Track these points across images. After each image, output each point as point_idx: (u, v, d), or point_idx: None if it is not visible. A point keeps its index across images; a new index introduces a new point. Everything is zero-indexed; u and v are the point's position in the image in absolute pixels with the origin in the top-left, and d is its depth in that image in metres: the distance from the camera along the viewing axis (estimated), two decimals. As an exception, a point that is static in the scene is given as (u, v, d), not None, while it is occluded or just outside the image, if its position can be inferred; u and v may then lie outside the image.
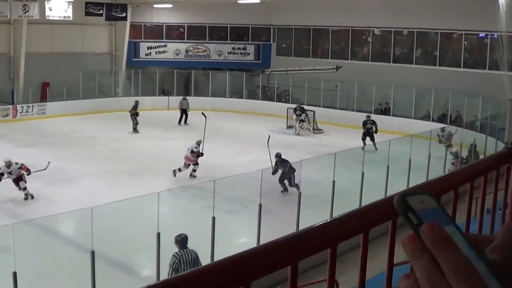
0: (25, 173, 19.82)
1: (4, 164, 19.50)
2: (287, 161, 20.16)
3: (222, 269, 1.77)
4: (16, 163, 19.70)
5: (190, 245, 11.98)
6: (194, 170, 22.72)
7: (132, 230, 16.25)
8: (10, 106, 37.98)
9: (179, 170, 22.49)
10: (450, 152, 24.02)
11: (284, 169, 19.94)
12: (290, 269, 1.92)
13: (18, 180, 19.61)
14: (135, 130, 32.83)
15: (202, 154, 22.58)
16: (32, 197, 19.91)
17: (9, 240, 12.49)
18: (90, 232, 11.57)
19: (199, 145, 22.64)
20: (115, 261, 14.35)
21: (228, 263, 1.82)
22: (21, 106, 38.11)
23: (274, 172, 19.59)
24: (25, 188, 19.63)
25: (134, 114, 33.24)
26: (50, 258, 14.69)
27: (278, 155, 20.48)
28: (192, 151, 22.39)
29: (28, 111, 38.08)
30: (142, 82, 43.27)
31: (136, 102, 33.90)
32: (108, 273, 12.66)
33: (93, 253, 11.37)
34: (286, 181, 20.07)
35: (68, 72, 38.77)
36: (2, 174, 19.48)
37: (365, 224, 2.17)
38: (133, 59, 44.35)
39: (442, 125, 29.37)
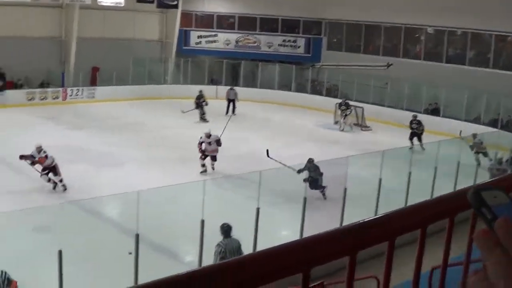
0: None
1: (35, 148, 19.56)
2: (318, 168, 19.53)
3: (280, 255, 1.76)
4: (44, 152, 19.64)
5: (232, 235, 11.99)
6: (212, 164, 22.53)
7: (176, 216, 16.36)
8: (60, 89, 38.47)
9: (202, 165, 22.34)
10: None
11: (312, 175, 19.28)
12: (349, 259, 1.91)
13: (51, 170, 19.55)
14: (203, 119, 32.75)
15: (220, 144, 22.45)
16: (54, 188, 19.63)
17: (56, 220, 12.67)
18: (134, 216, 11.65)
19: (208, 137, 22.37)
20: (159, 245, 14.46)
21: (287, 249, 1.80)
22: (71, 89, 38.59)
23: (301, 171, 19.02)
24: (61, 180, 19.54)
25: (200, 103, 33.27)
26: (94, 239, 14.85)
27: (310, 160, 19.83)
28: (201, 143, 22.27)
29: (78, 95, 38.54)
30: (191, 70, 43.48)
31: (201, 91, 34.00)
32: (151, 257, 12.74)
33: (137, 236, 11.45)
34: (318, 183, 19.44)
35: (118, 57, 39.08)
36: (34, 157, 19.50)
37: (422, 221, 2.15)
38: (183, 47, 44.53)
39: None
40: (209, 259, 11.87)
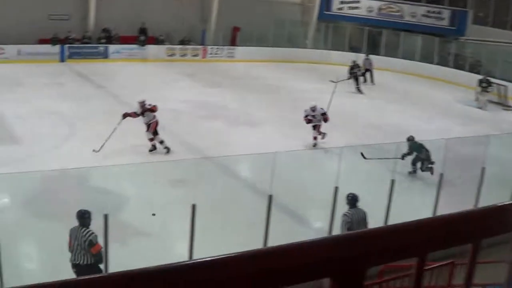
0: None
1: (138, 104, 18.72)
2: (421, 145, 18.32)
3: (453, 223, 1.72)
4: (150, 104, 18.69)
5: (361, 205, 11.75)
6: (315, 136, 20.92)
7: (309, 181, 16.29)
8: (200, 47, 39.15)
9: (319, 137, 20.72)
10: None
11: (418, 153, 18.23)
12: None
13: (148, 127, 18.67)
14: (358, 90, 31.47)
15: (326, 119, 20.72)
16: (153, 149, 18.70)
17: (191, 174, 12.88)
18: (268, 177, 11.64)
19: (313, 110, 20.78)
20: (290, 208, 14.45)
21: (459, 218, 1.75)
22: (211, 48, 39.22)
23: (405, 155, 17.87)
24: (151, 139, 18.66)
25: (355, 73, 32.04)
26: (227, 196, 15.02)
27: (410, 138, 18.63)
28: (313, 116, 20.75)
29: (217, 53, 39.13)
30: (331, 36, 43.19)
31: (354, 61, 32.82)
32: (280, 219, 12.74)
33: (270, 197, 11.46)
34: (418, 164, 18.49)
35: (259, 18, 39.27)
36: (137, 114, 18.64)
37: None
38: (325, 12, 44.22)
39: None
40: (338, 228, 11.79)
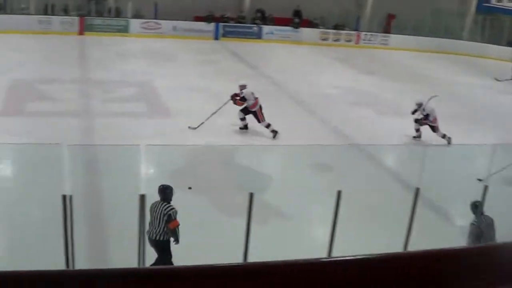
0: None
1: (239, 87, 18.13)
2: None
3: None
4: (242, 92, 18.01)
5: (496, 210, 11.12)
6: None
7: (456, 177, 15.78)
8: (354, 32, 38.91)
9: (416, 130, 18.99)
10: None
11: None
12: None
13: (249, 111, 17.98)
14: None
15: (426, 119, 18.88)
16: (244, 128, 18.25)
17: (336, 160, 12.77)
18: (414, 169, 11.36)
19: (419, 106, 18.91)
20: (433, 203, 14.05)
21: None
22: (364, 34, 38.99)
23: None
24: (267, 126, 17.87)
25: None
26: (371, 185, 14.75)
27: None
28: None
29: (371, 40, 38.81)
30: (489, 29, 41.78)
31: None
32: (424, 213, 12.38)
33: (417, 190, 11.16)
34: None
35: (415, 7, 38.56)
36: (238, 96, 18.06)
37: None
38: (483, 4, 42.81)
39: None
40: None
